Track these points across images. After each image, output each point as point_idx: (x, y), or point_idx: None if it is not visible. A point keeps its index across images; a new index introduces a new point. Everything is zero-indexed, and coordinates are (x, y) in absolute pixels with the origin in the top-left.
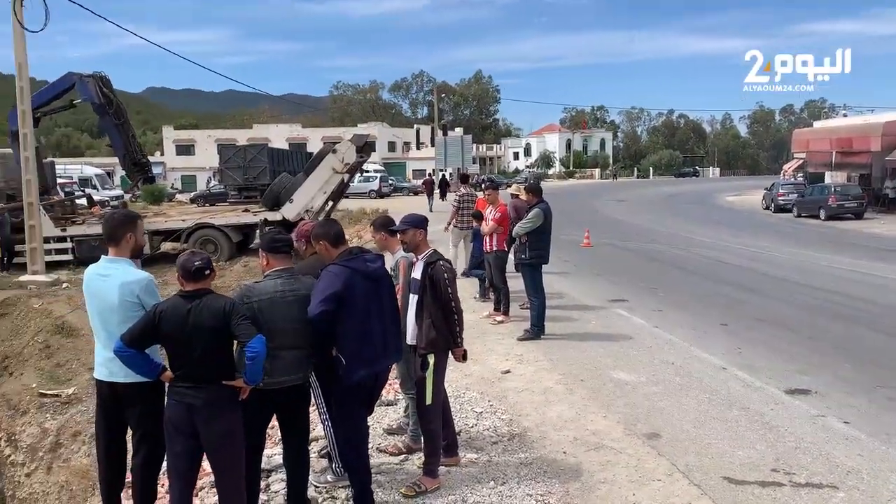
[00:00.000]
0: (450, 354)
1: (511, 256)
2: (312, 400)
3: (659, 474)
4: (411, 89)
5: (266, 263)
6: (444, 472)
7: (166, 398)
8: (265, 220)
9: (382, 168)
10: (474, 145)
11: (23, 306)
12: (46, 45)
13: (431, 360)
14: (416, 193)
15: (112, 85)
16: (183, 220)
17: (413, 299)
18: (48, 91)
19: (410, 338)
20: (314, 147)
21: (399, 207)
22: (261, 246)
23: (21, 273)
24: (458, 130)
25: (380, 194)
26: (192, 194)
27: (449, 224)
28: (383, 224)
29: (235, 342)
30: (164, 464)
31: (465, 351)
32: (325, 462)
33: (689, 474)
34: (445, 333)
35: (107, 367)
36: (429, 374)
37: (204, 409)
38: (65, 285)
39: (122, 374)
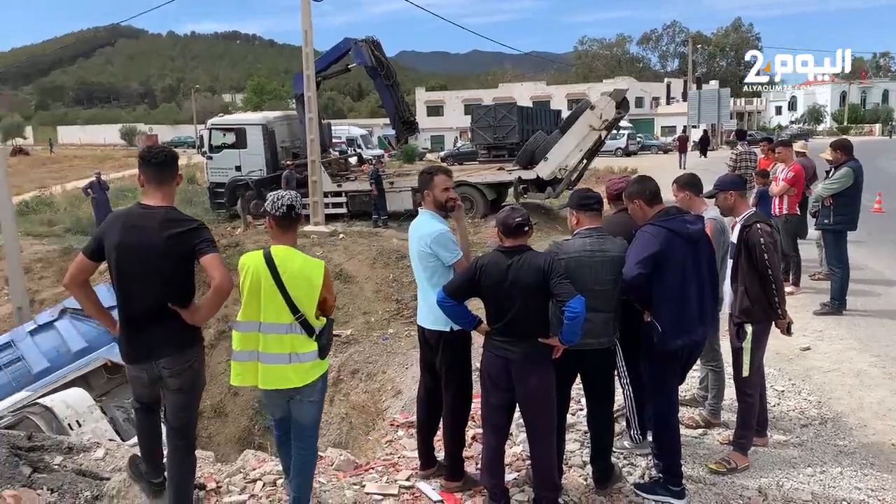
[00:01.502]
0: (772, 326)
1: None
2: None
3: None
4: (661, 41)
5: (576, 222)
6: (751, 452)
7: (483, 351)
8: (519, 178)
9: (630, 125)
10: (731, 99)
11: (308, 254)
12: (314, 14)
13: (749, 329)
14: (665, 151)
15: (383, 48)
16: None
17: (729, 264)
18: (327, 56)
19: (726, 305)
20: (558, 105)
21: (647, 166)
22: (569, 204)
23: (304, 224)
24: (714, 83)
25: (626, 152)
26: (443, 153)
27: None
28: (688, 182)
29: (552, 300)
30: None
31: (789, 323)
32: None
33: None
34: (762, 303)
35: (420, 312)
36: (746, 345)
37: (521, 364)
38: (341, 235)
39: (428, 321)
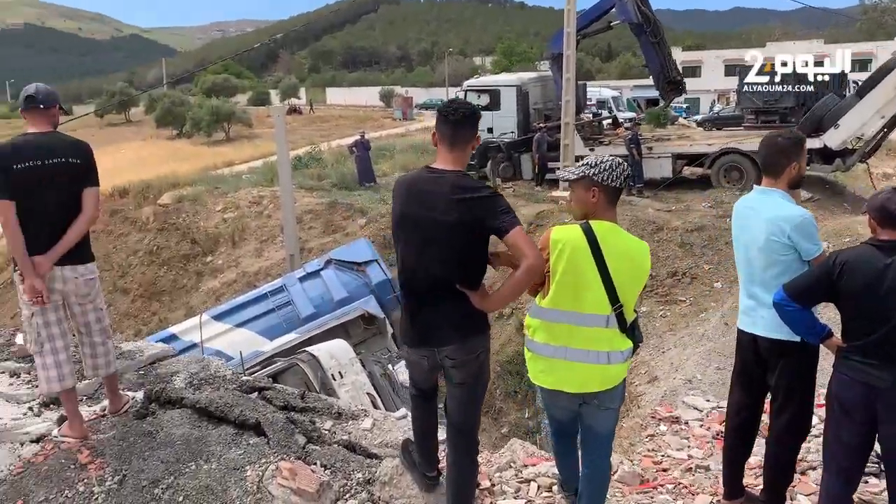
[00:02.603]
0: None
1: None
2: None
3: None
4: None
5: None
6: None
7: (834, 371)
8: None
9: None
10: None
11: (555, 220)
12: None
13: None
14: None
15: (649, 3)
16: (709, 145)
17: None
18: (589, 14)
19: None
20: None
21: None
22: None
23: (553, 189)
24: None
25: None
26: (700, 117)
27: None
28: None
29: None
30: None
31: None
32: None
33: None
34: None
35: (747, 314)
36: None
37: (892, 394)
38: None
39: (759, 326)
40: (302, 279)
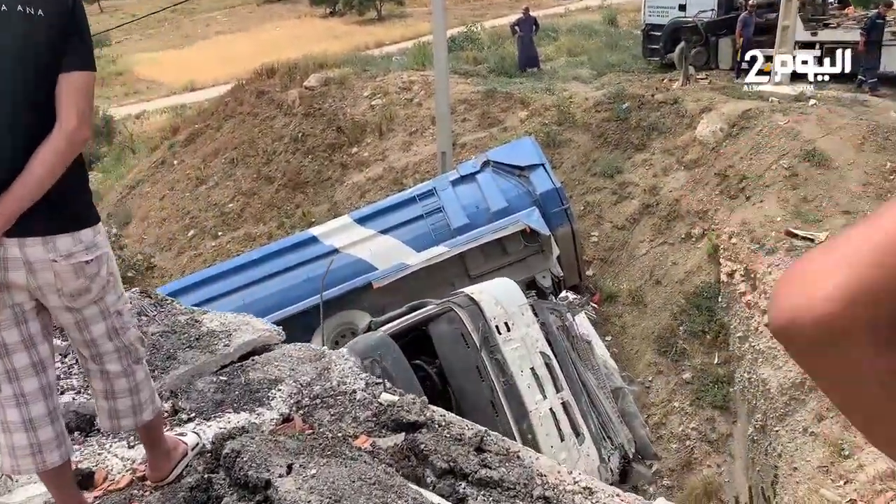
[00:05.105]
0: None
1: None
2: None
3: None
4: None
5: None
6: None
7: None
8: None
9: None
10: None
11: (765, 121)
12: None
13: None
14: None
15: None
16: None
17: None
18: None
19: None
20: None
21: None
22: None
23: (761, 83)
24: None
25: None
26: None
27: None
28: None
29: None
30: None
31: None
32: None
33: None
34: None
35: None
36: None
37: None
38: (812, 102)
39: None
40: (455, 183)
